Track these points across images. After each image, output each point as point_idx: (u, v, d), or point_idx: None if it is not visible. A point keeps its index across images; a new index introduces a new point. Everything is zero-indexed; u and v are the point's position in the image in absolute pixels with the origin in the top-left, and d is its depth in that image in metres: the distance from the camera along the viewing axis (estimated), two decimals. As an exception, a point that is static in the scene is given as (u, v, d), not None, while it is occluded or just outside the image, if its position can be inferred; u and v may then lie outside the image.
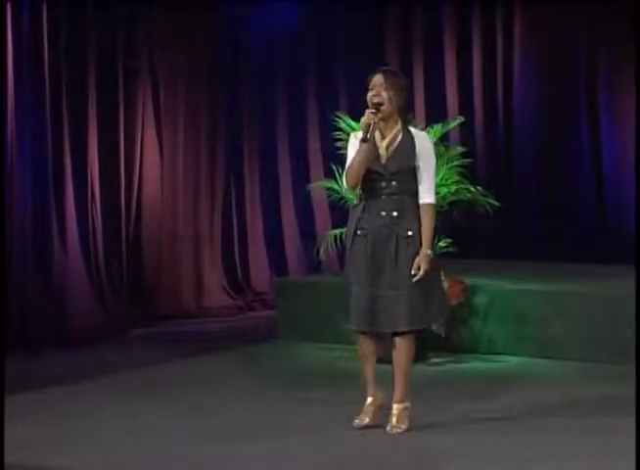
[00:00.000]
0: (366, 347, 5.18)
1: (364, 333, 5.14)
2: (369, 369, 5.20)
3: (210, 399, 5.88)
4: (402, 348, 5.07)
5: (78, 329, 7.80)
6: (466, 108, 9.02)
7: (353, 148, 5.04)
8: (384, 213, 5.03)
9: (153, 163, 8.82)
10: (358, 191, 5.15)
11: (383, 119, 5.02)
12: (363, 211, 5.08)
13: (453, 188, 7.07)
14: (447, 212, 7.31)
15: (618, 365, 6.46)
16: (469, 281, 7.04)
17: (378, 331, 5.11)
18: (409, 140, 5.07)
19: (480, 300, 7.07)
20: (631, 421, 4.97)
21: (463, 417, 5.39)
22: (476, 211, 7.32)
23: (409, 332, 5.06)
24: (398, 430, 5.07)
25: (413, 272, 4.96)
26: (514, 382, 6.28)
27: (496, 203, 7.15)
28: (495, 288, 7.14)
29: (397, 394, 5.11)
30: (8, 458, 4.46)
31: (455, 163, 7.14)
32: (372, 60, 9.30)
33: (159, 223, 8.85)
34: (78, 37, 8.14)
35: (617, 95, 8.63)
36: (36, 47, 7.80)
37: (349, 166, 5.03)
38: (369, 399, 5.20)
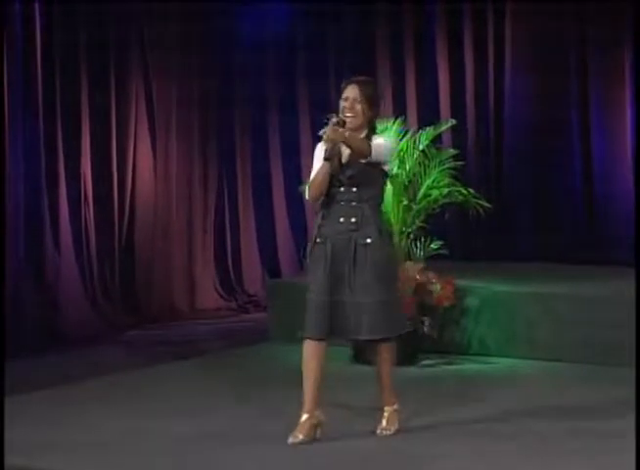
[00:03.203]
0: (310, 361, 5.01)
1: (314, 342, 5.00)
2: (309, 383, 5.00)
3: (203, 400, 5.92)
4: (384, 354, 5.08)
5: (71, 331, 7.85)
6: (458, 110, 9.07)
7: (319, 159, 5.02)
8: (342, 220, 4.98)
9: (145, 164, 8.85)
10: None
11: (351, 130, 4.97)
12: (323, 218, 5.05)
13: (445, 190, 7.13)
14: (439, 214, 7.39)
15: (609, 366, 6.52)
16: (460, 283, 7.07)
17: (336, 338, 5.05)
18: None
19: (470, 301, 7.12)
20: (623, 422, 5.08)
21: (450, 419, 5.43)
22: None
23: (389, 338, 5.05)
24: (388, 432, 5.09)
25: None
26: (504, 383, 6.34)
27: (487, 205, 7.20)
28: (486, 290, 7.18)
29: (385, 397, 5.15)
30: (5, 461, 4.51)
31: (447, 165, 7.18)
32: (363, 61, 9.35)
33: (151, 225, 8.89)
34: (71, 36, 8.17)
35: (608, 95, 8.65)
36: (28, 47, 7.85)
37: (313, 181, 5.03)
38: (304, 417, 5.00)
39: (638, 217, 7.62)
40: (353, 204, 4.98)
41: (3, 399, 4.82)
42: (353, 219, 4.96)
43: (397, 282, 5.18)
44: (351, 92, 5.01)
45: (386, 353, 5.09)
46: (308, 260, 5.09)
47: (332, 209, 5.01)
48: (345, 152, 5.00)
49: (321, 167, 4.99)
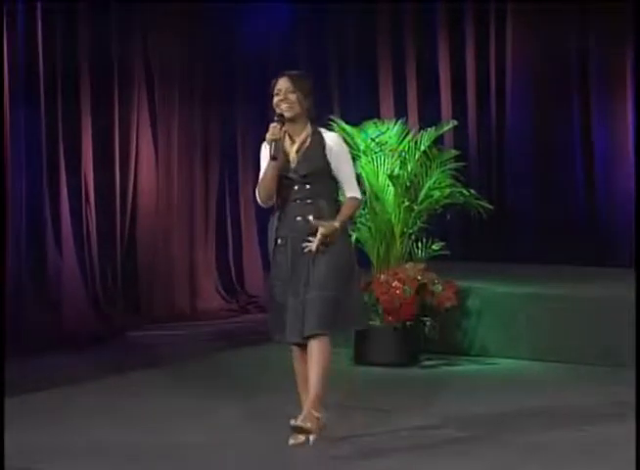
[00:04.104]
0: (298, 362, 5.00)
1: (296, 346, 4.97)
2: (302, 387, 5.01)
3: (204, 402, 5.90)
4: (314, 350, 4.80)
5: (72, 332, 7.83)
6: (459, 111, 9.09)
7: (265, 159, 4.93)
8: (299, 219, 4.87)
9: (147, 164, 8.84)
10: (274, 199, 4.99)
11: (291, 121, 4.89)
12: (279, 219, 4.94)
13: (446, 191, 7.14)
14: (441, 215, 7.42)
15: (610, 368, 6.55)
16: (461, 284, 7.09)
17: (304, 342, 4.87)
18: (318, 141, 4.92)
19: (472, 302, 7.14)
20: (623, 424, 5.12)
21: (450, 421, 5.43)
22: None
23: (322, 334, 4.81)
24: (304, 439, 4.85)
25: (310, 239, 4.78)
26: (504, 385, 6.36)
27: (489, 205, 7.21)
28: (487, 291, 7.19)
29: (309, 400, 4.82)
30: (5, 463, 4.53)
31: (448, 166, 7.20)
32: (364, 62, 9.41)
33: (153, 226, 8.88)
34: (72, 40, 8.17)
35: (610, 96, 8.69)
36: (30, 49, 7.86)
37: (261, 182, 4.91)
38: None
39: (638, 219, 7.64)
40: (309, 201, 4.88)
41: (3, 401, 4.83)
42: (310, 217, 4.86)
43: (355, 279, 4.97)
44: (283, 84, 4.90)
45: (316, 353, 4.81)
46: (272, 264, 4.98)
47: (287, 208, 4.91)
48: (292, 150, 4.92)
49: (268, 167, 4.89)
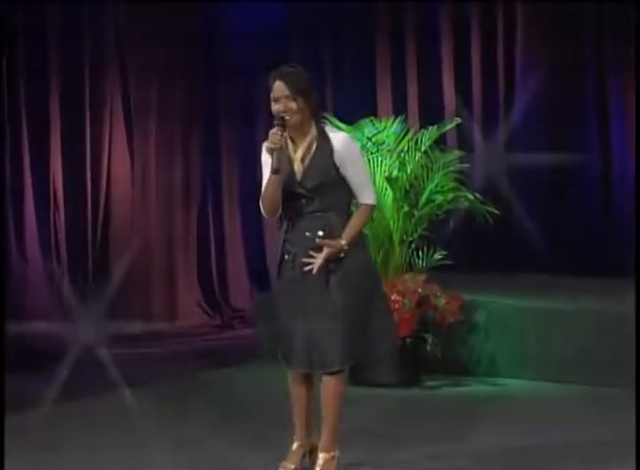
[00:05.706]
0: (296, 387, 4.96)
1: (296, 372, 4.93)
2: (298, 411, 4.98)
3: (186, 427, 5.84)
4: (332, 388, 4.79)
5: (37, 348, 7.76)
6: (463, 108, 8.97)
7: (267, 165, 4.77)
8: (308, 234, 4.74)
9: (122, 166, 8.89)
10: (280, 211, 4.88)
11: (294, 129, 4.74)
12: (287, 232, 4.82)
13: (449, 195, 7.11)
14: (443, 222, 7.36)
15: (632, 389, 6.23)
16: (466, 297, 7.02)
17: (315, 372, 4.86)
18: (326, 147, 4.76)
19: (478, 317, 7.06)
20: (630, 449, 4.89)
21: (452, 448, 5.32)
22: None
23: (341, 370, 4.78)
24: None
25: (314, 255, 4.67)
26: (513, 408, 6.27)
27: (496, 211, 7.16)
28: (495, 304, 7.13)
29: (324, 441, 4.86)
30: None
31: (452, 168, 7.16)
32: (361, 57, 9.40)
33: (128, 233, 8.91)
34: (39, 32, 8.16)
35: (627, 94, 8.61)
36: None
37: (263, 196, 4.78)
38: (295, 445, 4.98)
39: (638, 224, 7.60)
40: (318, 214, 4.75)
41: (3, 411, 4.80)
42: (320, 232, 4.72)
43: (379, 294, 4.88)
44: (279, 91, 4.71)
45: (333, 391, 4.79)
46: (276, 282, 4.87)
47: (296, 222, 4.79)
48: (297, 158, 4.76)
49: (269, 181, 4.74)
